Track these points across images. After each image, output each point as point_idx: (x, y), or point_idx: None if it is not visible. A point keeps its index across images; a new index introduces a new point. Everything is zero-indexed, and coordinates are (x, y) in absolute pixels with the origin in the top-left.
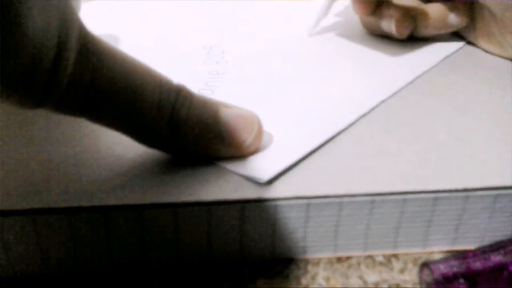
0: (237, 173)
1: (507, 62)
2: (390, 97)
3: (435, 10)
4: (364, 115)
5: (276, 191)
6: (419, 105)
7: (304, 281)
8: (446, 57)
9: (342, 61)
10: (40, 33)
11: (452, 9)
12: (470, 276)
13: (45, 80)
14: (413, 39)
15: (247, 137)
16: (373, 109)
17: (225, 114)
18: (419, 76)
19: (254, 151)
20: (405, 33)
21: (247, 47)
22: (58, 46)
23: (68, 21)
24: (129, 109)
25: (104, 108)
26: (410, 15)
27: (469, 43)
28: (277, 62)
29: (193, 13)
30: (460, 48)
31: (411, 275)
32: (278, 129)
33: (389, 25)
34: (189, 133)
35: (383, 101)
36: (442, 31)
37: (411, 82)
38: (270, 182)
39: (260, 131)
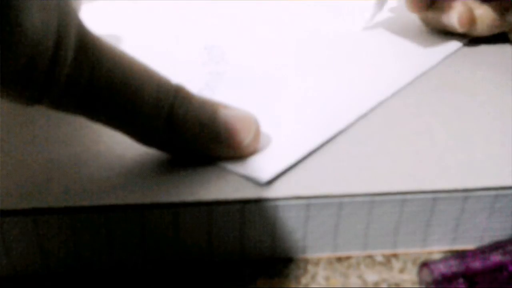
0: (237, 173)
1: (507, 62)
2: (390, 97)
3: (492, 8)
4: (363, 115)
5: (276, 191)
6: (419, 105)
7: (304, 280)
8: (445, 57)
9: (341, 62)
10: (39, 32)
11: (510, 7)
12: (470, 276)
13: (43, 78)
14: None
15: (244, 138)
16: (372, 109)
17: (223, 115)
18: (418, 76)
19: (252, 153)
20: (467, 25)
21: (247, 48)
22: (56, 44)
23: (67, 20)
24: (126, 108)
25: (102, 106)
26: (470, 10)
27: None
28: (278, 63)
29: (193, 13)
30: (459, 48)
31: (411, 275)
32: (278, 129)
33: (451, 18)
34: (187, 133)
35: (382, 101)
36: (499, 30)
37: (410, 82)
38: (270, 182)
39: (258, 133)
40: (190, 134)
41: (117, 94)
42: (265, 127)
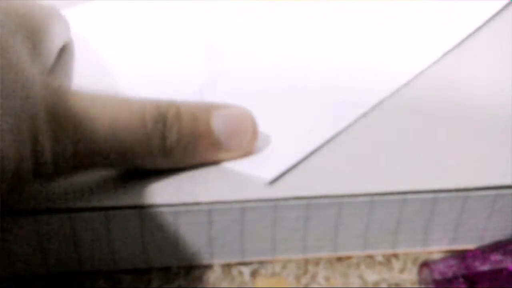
0: (240, 172)
1: (507, 61)
2: (390, 96)
3: None
4: (364, 115)
5: (276, 191)
6: (419, 104)
7: (304, 280)
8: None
9: (343, 60)
10: (13, 156)
11: None
12: (470, 276)
13: (30, 176)
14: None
15: (244, 139)
16: (373, 108)
17: (217, 120)
18: (418, 75)
19: (252, 150)
20: None
21: (248, 45)
22: (32, 148)
23: (37, 120)
24: (118, 157)
25: (94, 165)
26: None
27: None
28: (279, 61)
29: (194, 11)
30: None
31: (411, 275)
32: (280, 128)
33: None
34: (183, 151)
35: (383, 100)
36: None
37: (411, 81)
38: (272, 182)
39: (255, 130)
40: (187, 150)
41: (105, 150)
42: (267, 126)
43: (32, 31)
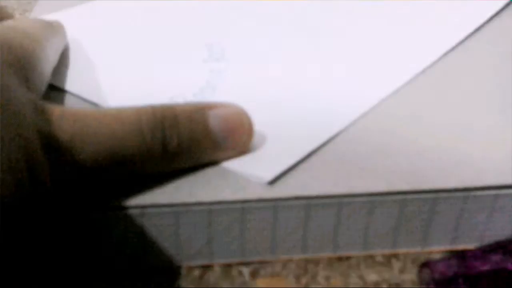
0: (240, 172)
1: (508, 61)
2: (390, 95)
3: None
4: (364, 115)
5: (276, 191)
6: (419, 104)
7: (304, 280)
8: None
9: (343, 59)
10: (10, 178)
11: None
12: (470, 276)
13: (33, 202)
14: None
15: (241, 137)
16: (373, 108)
17: (214, 120)
18: (419, 74)
19: (248, 149)
20: None
21: (248, 45)
22: (29, 177)
23: (32, 147)
24: (120, 170)
25: (96, 180)
26: None
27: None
28: (278, 61)
29: (194, 10)
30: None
31: (411, 275)
32: (279, 128)
33: None
34: (184, 154)
35: (383, 100)
36: None
37: (411, 80)
38: (271, 182)
39: (251, 127)
40: (187, 154)
41: (106, 167)
42: (266, 126)
43: (23, 61)
